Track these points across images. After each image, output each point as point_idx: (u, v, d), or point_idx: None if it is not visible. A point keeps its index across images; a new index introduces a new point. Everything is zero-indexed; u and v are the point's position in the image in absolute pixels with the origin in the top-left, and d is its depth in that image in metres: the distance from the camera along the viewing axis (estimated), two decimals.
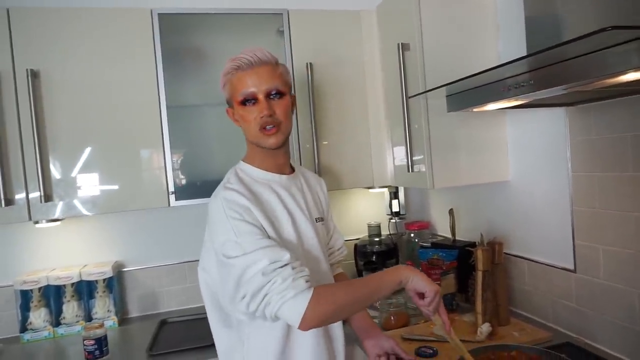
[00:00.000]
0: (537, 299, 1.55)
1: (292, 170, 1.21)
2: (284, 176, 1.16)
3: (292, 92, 1.18)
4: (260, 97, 1.07)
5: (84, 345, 1.47)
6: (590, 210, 1.31)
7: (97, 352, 1.47)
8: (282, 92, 1.10)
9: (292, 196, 1.14)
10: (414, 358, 1.24)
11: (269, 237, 1.03)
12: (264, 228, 1.03)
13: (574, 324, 1.41)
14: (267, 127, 1.08)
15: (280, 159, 1.16)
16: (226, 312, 1.11)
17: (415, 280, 1.04)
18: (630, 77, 0.76)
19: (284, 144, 1.13)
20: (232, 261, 0.98)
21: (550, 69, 0.84)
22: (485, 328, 1.41)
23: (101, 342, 1.48)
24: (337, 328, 1.19)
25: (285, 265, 0.97)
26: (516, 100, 1.03)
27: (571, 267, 1.40)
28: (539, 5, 1.17)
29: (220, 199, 1.03)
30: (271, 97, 1.08)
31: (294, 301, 0.94)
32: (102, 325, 1.51)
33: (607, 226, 1.26)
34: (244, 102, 1.08)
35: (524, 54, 1.14)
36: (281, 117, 1.09)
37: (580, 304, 1.38)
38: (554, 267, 1.47)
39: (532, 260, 1.56)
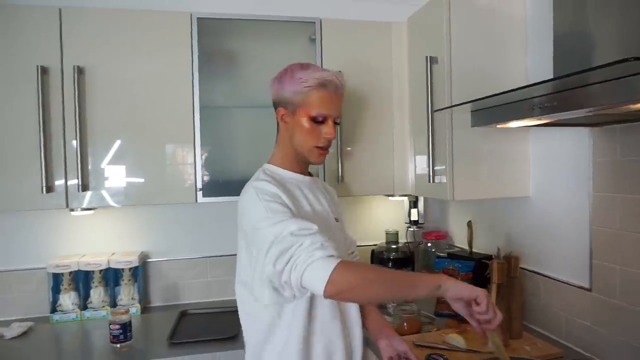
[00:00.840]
0: (551, 315, 1.57)
1: (310, 175, 1.28)
2: (307, 177, 1.24)
3: None
4: (330, 121, 1.16)
5: (110, 329, 1.54)
6: (609, 231, 1.33)
7: (121, 337, 1.54)
8: (339, 122, 1.21)
9: (315, 196, 1.21)
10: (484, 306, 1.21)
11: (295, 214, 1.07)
12: (292, 209, 1.08)
13: (586, 343, 1.42)
14: (324, 148, 1.18)
15: (305, 166, 1.25)
16: (254, 305, 1.14)
17: (458, 287, 0.96)
18: None
19: None
20: (264, 230, 1.01)
21: (575, 92, 0.88)
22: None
23: (126, 327, 1.55)
24: (353, 311, 1.23)
25: (314, 232, 0.99)
26: (540, 119, 1.06)
27: (587, 285, 1.42)
28: (569, 22, 1.18)
29: (252, 187, 1.10)
30: (335, 122, 1.18)
31: (321, 262, 0.93)
32: (127, 312, 1.59)
33: (626, 247, 1.28)
34: (315, 119, 1.15)
35: (551, 70, 1.18)
36: (333, 140, 1.20)
37: (594, 323, 1.39)
38: (570, 284, 1.48)
39: (548, 277, 1.58)
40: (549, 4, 1.27)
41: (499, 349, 1.06)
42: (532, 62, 1.60)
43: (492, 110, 1.18)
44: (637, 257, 1.24)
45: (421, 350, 1.42)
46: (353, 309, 1.23)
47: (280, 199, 1.07)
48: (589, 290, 1.41)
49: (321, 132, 1.16)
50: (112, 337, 1.54)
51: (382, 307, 1.83)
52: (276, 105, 1.21)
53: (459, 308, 0.99)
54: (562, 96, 0.90)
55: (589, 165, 1.39)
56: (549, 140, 1.56)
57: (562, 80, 0.82)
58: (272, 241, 0.99)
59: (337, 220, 1.28)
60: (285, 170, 1.21)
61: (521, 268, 1.64)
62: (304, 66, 1.18)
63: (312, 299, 1.13)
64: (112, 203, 1.70)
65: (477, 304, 0.96)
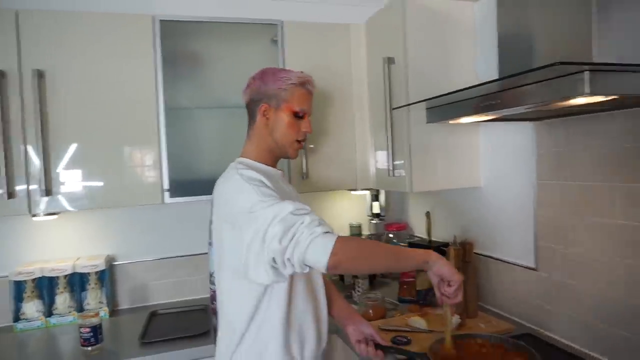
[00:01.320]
0: (503, 295, 1.70)
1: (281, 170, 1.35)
2: (279, 171, 1.31)
3: None
4: (307, 117, 1.29)
5: (80, 332, 1.54)
6: (551, 215, 1.47)
7: (92, 339, 1.54)
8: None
9: (288, 188, 1.29)
10: (390, 344, 1.36)
11: None
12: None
13: (533, 317, 1.56)
14: (302, 142, 1.29)
15: (277, 160, 1.33)
16: (243, 284, 1.14)
17: (442, 266, 1.05)
18: (579, 101, 0.91)
19: None
20: (261, 212, 1.03)
21: (514, 91, 0.99)
22: (454, 320, 1.55)
23: (96, 330, 1.56)
24: (322, 299, 1.30)
25: (311, 212, 1.04)
26: (486, 115, 1.17)
27: (533, 265, 1.55)
28: (511, 24, 1.28)
29: (237, 175, 1.14)
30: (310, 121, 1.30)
31: (323, 238, 0.98)
32: (97, 314, 1.59)
33: (565, 229, 1.42)
34: (296, 114, 1.26)
35: (497, 71, 1.29)
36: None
37: (539, 299, 1.53)
38: (518, 265, 1.62)
39: (499, 260, 1.71)
40: (495, 8, 1.38)
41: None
42: (481, 63, 1.73)
43: (445, 107, 1.29)
44: (576, 237, 1.38)
45: (386, 334, 1.52)
46: (322, 297, 1.30)
47: (266, 186, 1.13)
48: (535, 269, 1.55)
49: (300, 127, 1.27)
50: (82, 340, 1.54)
51: (347, 297, 1.92)
52: (256, 102, 1.27)
53: (433, 279, 1.10)
54: (504, 95, 1.01)
55: (532, 156, 1.52)
56: (497, 135, 1.70)
57: (502, 81, 0.92)
58: (272, 220, 1.02)
59: None
60: (260, 164, 1.26)
61: (475, 253, 1.78)
62: (282, 69, 1.32)
63: (291, 287, 1.18)
64: (76, 207, 1.69)
65: (449, 285, 1.07)
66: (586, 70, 0.80)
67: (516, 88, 0.97)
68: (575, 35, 1.03)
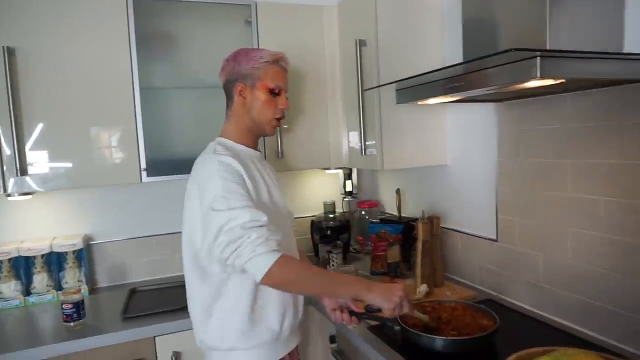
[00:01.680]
0: (467, 265, 1.83)
1: (259, 150, 1.40)
2: (258, 152, 1.35)
3: None
4: (283, 94, 1.32)
5: (63, 308, 1.58)
6: (510, 190, 1.58)
7: (74, 315, 1.58)
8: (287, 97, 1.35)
9: (265, 169, 1.33)
10: (363, 311, 1.45)
11: (251, 198, 1.18)
12: (249, 191, 1.19)
13: (494, 284, 1.69)
14: (280, 119, 1.32)
15: (256, 140, 1.37)
16: (204, 268, 1.24)
17: (373, 299, 1.18)
18: (533, 84, 1.00)
19: None
20: (217, 213, 1.13)
21: (476, 74, 1.07)
22: (423, 288, 1.66)
23: (79, 305, 1.59)
24: None
25: (262, 226, 1.13)
26: (452, 96, 1.25)
27: (494, 237, 1.68)
28: (475, 9, 1.36)
29: (216, 161, 1.19)
30: (286, 97, 1.34)
31: (263, 257, 1.09)
32: (79, 291, 1.62)
33: (522, 202, 1.54)
34: (272, 91, 1.29)
35: (461, 55, 1.38)
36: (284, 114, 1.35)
37: (499, 267, 1.66)
38: (481, 237, 1.74)
39: (465, 233, 1.83)
40: None
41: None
42: (448, 46, 1.81)
43: (413, 89, 1.36)
44: (531, 209, 1.50)
45: (360, 303, 1.61)
46: None
47: (240, 179, 1.18)
48: (496, 240, 1.67)
49: (277, 104, 1.32)
50: (65, 316, 1.58)
51: (323, 265, 2.01)
52: (232, 82, 1.31)
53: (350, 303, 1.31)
54: (467, 78, 1.09)
55: (494, 136, 1.63)
56: (463, 115, 1.79)
57: (465, 65, 1.00)
58: (221, 228, 1.12)
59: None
60: (239, 145, 1.31)
61: (442, 227, 1.89)
62: (255, 48, 1.36)
63: None
64: (52, 187, 1.70)
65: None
66: (537, 56, 0.88)
67: (477, 71, 1.05)
68: (532, 23, 1.11)
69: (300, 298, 1.39)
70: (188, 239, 1.27)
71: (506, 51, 0.84)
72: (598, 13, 1.12)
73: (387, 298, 1.18)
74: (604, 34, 1.12)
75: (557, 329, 1.37)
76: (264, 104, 1.30)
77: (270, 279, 1.11)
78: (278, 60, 1.32)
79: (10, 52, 1.60)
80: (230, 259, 1.12)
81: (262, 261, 1.09)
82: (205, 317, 1.27)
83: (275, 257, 1.10)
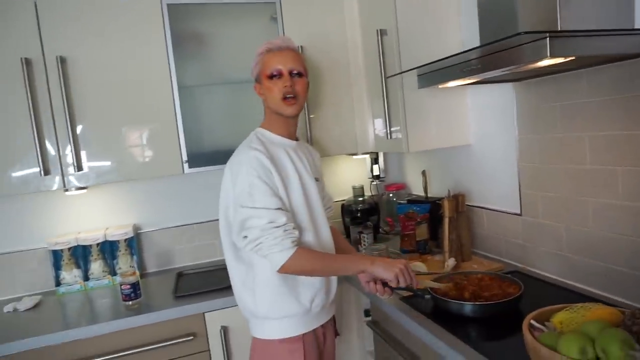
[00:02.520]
0: (493, 240, 1.91)
1: (297, 139, 1.51)
2: (293, 142, 1.46)
3: (307, 78, 1.45)
4: (285, 73, 1.37)
5: (121, 289, 1.75)
6: (532, 165, 1.65)
7: (132, 295, 1.75)
8: (301, 73, 1.40)
9: (299, 158, 1.44)
10: (396, 283, 1.54)
11: (277, 195, 1.32)
12: (276, 187, 1.33)
13: (519, 257, 1.77)
14: (288, 96, 1.37)
15: (292, 128, 1.46)
16: (237, 247, 1.40)
17: (375, 269, 1.31)
18: (545, 63, 1.07)
19: (298, 114, 1.44)
20: (243, 209, 1.30)
21: (492, 57, 1.15)
22: (450, 262, 1.76)
23: (135, 286, 1.76)
24: (329, 250, 1.48)
25: (279, 226, 1.28)
26: (470, 79, 1.34)
27: (518, 211, 1.75)
28: None
29: (247, 156, 1.32)
30: (293, 75, 1.38)
31: (278, 254, 1.28)
32: (135, 273, 1.80)
33: (543, 177, 1.60)
34: (271, 76, 1.38)
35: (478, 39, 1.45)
36: (299, 91, 1.39)
37: (524, 240, 1.74)
38: (506, 212, 1.82)
39: (490, 209, 1.91)
40: None
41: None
42: (466, 30, 1.87)
43: (434, 74, 1.45)
44: (553, 184, 1.57)
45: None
46: (332, 252, 1.50)
47: (269, 176, 1.31)
48: (520, 215, 1.74)
49: (279, 85, 1.37)
50: (123, 296, 1.75)
51: (355, 245, 2.13)
52: (254, 85, 1.46)
53: (363, 281, 1.43)
54: (483, 61, 1.17)
55: (513, 114, 1.70)
56: (483, 96, 1.86)
57: (481, 48, 1.09)
58: (243, 224, 1.31)
59: (317, 179, 1.51)
60: (275, 135, 1.43)
61: (469, 205, 1.98)
62: (264, 42, 1.44)
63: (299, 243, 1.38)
64: (105, 180, 1.87)
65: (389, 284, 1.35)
66: (547, 37, 0.96)
67: (492, 54, 1.13)
68: (544, 3, 1.18)
69: (333, 278, 1.49)
70: (224, 217, 1.42)
71: (517, 34, 0.92)
72: None
73: (388, 269, 1.31)
74: (615, 11, 1.17)
75: (580, 294, 1.45)
76: (269, 90, 1.39)
77: (286, 270, 1.30)
78: (270, 48, 1.39)
79: (63, 61, 1.76)
80: (252, 251, 1.32)
81: (278, 257, 1.29)
82: (243, 289, 1.42)
83: (289, 254, 1.28)
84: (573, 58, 1.04)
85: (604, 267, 1.42)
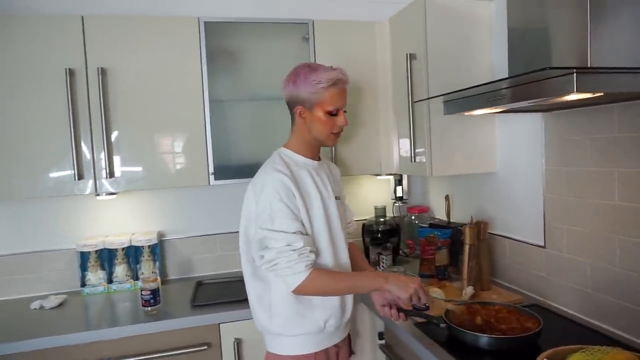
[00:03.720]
0: (514, 271, 1.87)
1: (319, 158, 1.53)
2: (316, 162, 1.49)
3: None
4: (341, 112, 1.43)
5: (142, 294, 1.80)
6: (558, 197, 1.62)
7: (152, 301, 1.80)
8: (346, 110, 1.46)
9: (320, 177, 1.46)
10: (411, 309, 1.53)
11: (297, 219, 1.34)
12: (298, 209, 1.35)
13: (541, 290, 1.72)
14: (338, 133, 1.46)
15: (317, 150, 1.50)
16: (256, 265, 1.42)
17: (391, 287, 1.33)
18: (572, 97, 1.06)
19: None
20: (262, 230, 1.34)
21: (519, 88, 1.15)
22: (469, 290, 1.73)
23: (155, 292, 1.81)
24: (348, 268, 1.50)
25: (295, 250, 1.31)
26: (496, 108, 1.33)
27: (542, 243, 1.71)
28: (521, 22, 1.40)
29: (271, 177, 1.35)
30: (344, 111, 1.44)
31: (291, 277, 1.31)
32: (156, 280, 1.84)
33: (570, 210, 1.57)
34: (330, 113, 1.40)
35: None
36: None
37: (547, 274, 1.69)
38: (529, 243, 1.78)
39: (512, 239, 1.88)
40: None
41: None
42: (496, 58, 1.87)
43: (460, 101, 1.45)
44: (578, 217, 1.54)
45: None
46: (347, 266, 1.51)
47: (290, 197, 1.34)
48: (544, 247, 1.70)
49: (336, 122, 1.41)
50: (143, 301, 1.80)
51: (373, 266, 2.11)
52: (292, 104, 1.43)
53: (375, 299, 1.48)
54: (509, 91, 1.17)
55: (541, 144, 1.67)
56: (512, 125, 1.84)
57: (507, 80, 1.09)
58: (262, 242, 1.34)
59: (337, 198, 1.52)
60: (299, 155, 1.46)
61: (491, 233, 1.95)
62: (313, 67, 1.40)
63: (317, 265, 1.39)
64: (134, 188, 1.94)
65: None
66: (574, 72, 0.96)
67: (519, 85, 1.13)
68: (574, 37, 1.17)
69: (349, 299, 1.50)
70: (244, 233, 1.45)
71: (543, 69, 0.92)
72: None
73: (402, 287, 1.32)
74: None
75: (601, 333, 1.40)
76: (322, 123, 1.40)
77: (300, 292, 1.34)
78: (336, 83, 1.37)
79: (103, 72, 1.85)
80: (268, 270, 1.35)
81: (291, 279, 1.32)
82: (258, 305, 1.45)
83: (303, 276, 1.31)
84: (602, 94, 1.02)
85: (628, 308, 1.37)
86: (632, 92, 1.10)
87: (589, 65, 1.09)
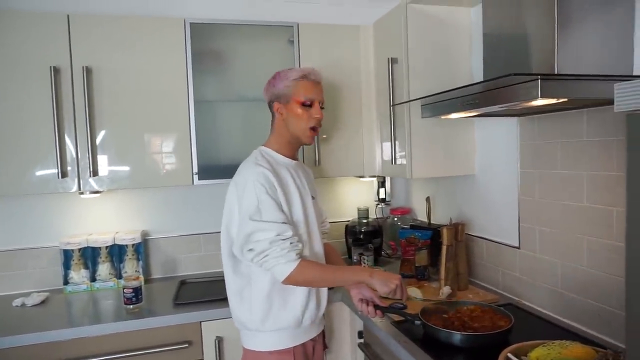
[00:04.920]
0: (491, 271, 1.91)
1: (297, 159, 1.57)
2: (294, 161, 1.53)
3: None
4: (316, 104, 1.46)
5: (124, 292, 1.81)
6: (532, 200, 1.67)
7: (134, 299, 1.81)
8: (323, 107, 1.50)
9: (299, 177, 1.51)
10: (387, 306, 1.57)
11: (282, 210, 1.38)
12: (281, 203, 1.39)
13: (516, 290, 1.77)
14: (315, 128, 1.47)
15: (295, 150, 1.55)
16: (237, 260, 1.45)
17: (373, 282, 1.39)
18: (538, 102, 1.11)
19: None
20: (250, 222, 1.35)
21: (489, 93, 1.19)
22: (446, 290, 1.77)
23: (137, 291, 1.82)
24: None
25: (286, 239, 1.34)
26: (469, 112, 1.38)
27: (516, 244, 1.76)
28: (495, 29, 1.44)
29: (254, 172, 1.38)
30: (321, 107, 1.48)
31: (283, 266, 1.33)
32: (138, 278, 1.86)
33: (542, 211, 1.62)
34: (304, 104, 1.45)
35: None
36: (321, 123, 1.50)
37: (521, 274, 1.74)
38: (504, 244, 1.83)
39: (489, 240, 1.92)
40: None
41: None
42: (476, 63, 1.92)
43: (436, 105, 1.50)
44: (550, 218, 1.59)
45: (386, 301, 1.73)
46: (320, 256, 1.55)
47: (274, 191, 1.38)
48: (518, 248, 1.75)
49: (311, 114, 1.46)
50: (125, 299, 1.81)
51: None
52: (271, 102, 1.51)
53: (353, 294, 1.52)
54: (480, 96, 1.21)
55: (517, 148, 1.72)
56: (489, 129, 1.89)
57: (479, 85, 1.13)
58: (251, 236, 1.35)
59: (313, 197, 1.57)
60: (278, 154, 1.49)
61: (469, 234, 1.99)
62: (290, 68, 1.52)
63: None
64: (118, 186, 1.95)
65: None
66: (539, 78, 1.00)
67: (489, 91, 1.17)
68: (542, 45, 1.22)
69: (324, 292, 1.54)
70: (225, 230, 1.48)
71: (509, 75, 0.97)
72: (608, 37, 1.21)
73: (385, 283, 1.37)
74: (614, 58, 1.21)
75: (570, 331, 1.45)
76: (297, 116, 1.46)
77: (290, 281, 1.36)
78: (307, 75, 1.46)
79: (88, 71, 1.87)
80: (257, 263, 1.36)
81: (283, 268, 1.34)
82: (237, 300, 1.48)
83: (294, 265, 1.34)
84: (566, 100, 1.07)
85: (596, 306, 1.42)
86: (597, 99, 1.15)
87: (555, 72, 1.13)
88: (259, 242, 1.34)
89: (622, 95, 0.69)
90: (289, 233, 1.35)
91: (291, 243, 1.35)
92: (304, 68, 1.50)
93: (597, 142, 1.38)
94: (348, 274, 1.46)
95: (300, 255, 1.38)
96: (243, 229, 1.37)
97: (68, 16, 1.85)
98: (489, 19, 1.45)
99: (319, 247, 1.55)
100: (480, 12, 1.83)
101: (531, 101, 1.07)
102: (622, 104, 0.68)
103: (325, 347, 1.66)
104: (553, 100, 1.08)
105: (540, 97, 1.00)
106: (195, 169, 2.03)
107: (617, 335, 1.34)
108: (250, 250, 1.36)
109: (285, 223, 1.37)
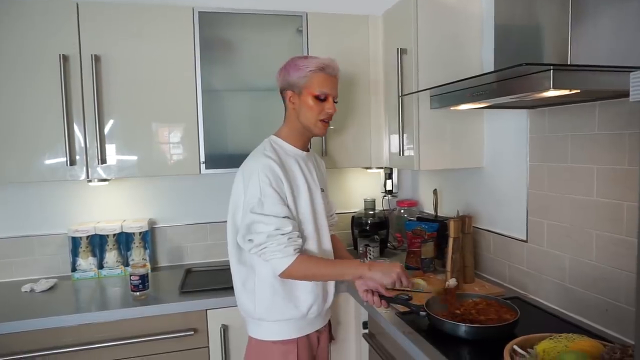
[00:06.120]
0: (498, 264, 1.90)
1: (308, 150, 1.56)
2: (305, 153, 1.52)
3: None
4: (330, 98, 1.44)
5: (131, 279, 1.82)
6: (540, 193, 1.65)
7: (140, 286, 1.82)
8: (337, 101, 1.48)
9: (308, 168, 1.49)
10: (392, 296, 1.56)
11: (285, 204, 1.37)
12: (285, 196, 1.38)
13: (522, 283, 1.76)
14: (326, 121, 1.45)
15: (307, 141, 1.53)
16: (242, 250, 1.45)
17: (372, 275, 1.39)
18: (550, 93, 1.09)
19: None
20: (252, 214, 1.35)
21: (500, 84, 1.18)
22: (452, 282, 1.75)
23: (144, 278, 1.84)
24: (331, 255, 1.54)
25: (285, 234, 1.34)
26: (479, 103, 1.36)
27: (524, 238, 1.75)
28: (506, 19, 1.43)
29: (260, 163, 1.38)
30: (335, 101, 1.46)
31: (280, 260, 1.34)
32: (145, 265, 1.87)
33: (551, 205, 1.60)
34: (317, 97, 1.42)
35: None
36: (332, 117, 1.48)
37: (528, 267, 1.73)
38: (512, 238, 1.81)
39: (497, 233, 1.91)
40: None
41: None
42: (486, 54, 1.89)
43: (445, 96, 1.48)
44: (559, 213, 1.57)
45: (391, 292, 1.73)
46: (329, 253, 1.54)
47: (279, 184, 1.37)
48: (526, 241, 1.74)
49: (324, 108, 1.44)
50: (132, 286, 1.82)
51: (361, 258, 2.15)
52: (284, 90, 1.47)
53: (358, 284, 1.47)
54: (490, 87, 1.20)
55: (526, 141, 1.70)
56: (498, 120, 1.87)
57: (489, 75, 1.11)
58: (252, 227, 1.35)
59: (322, 190, 1.56)
60: (289, 144, 1.48)
61: (476, 227, 1.98)
62: (304, 56, 1.48)
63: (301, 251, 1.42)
64: (126, 175, 1.96)
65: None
66: (551, 69, 0.99)
67: (500, 81, 1.16)
68: (556, 35, 1.20)
69: (331, 285, 1.54)
70: (231, 219, 1.48)
71: (520, 65, 0.95)
72: (622, 27, 1.19)
73: (386, 274, 1.37)
74: (628, 48, 1.18)
75: (577, 326, 1.44)
76: (309, 109, 1.43)
77: (287, 275, 1.37)
78: (324, 68, 1.42)
79: (97, 59, 1.87)
80: (256, 254, 1.37)
81: (280, 263, 1.34)
82: (243, 290, 1.48)
83: (291, 260, 1.35)
84: (578, 91, 1.05)
85: (604, 301, 1.40)
86: (610, 90, 1.13)
87: (568, 63, 1.11)
88: (258, 234, 1.35)
89: (638, 85, 0.67)
90: (289, 228, 1.35)
91: (289, 238, 1.34)
92: (322, 59, 1.43)
93: (608, 135, 1.36)
94: (347, 269, 1.44)
95: (299, 251, 1.37)
96: (245, 219, 1.38)
97: (77, 4, 1.85)
98: (501, 8, 1.43)
99: (327, 243, 1.53)
100: (491, 2, 1.81)
101: (543, 92, 1.05)
102: (638, 94, 0.67)
103: (331, 338, 1.67)
104: (565, 92, 1.06)
105: (553, 87, 0.99)
106: (203, 158, 2.03)
107: (625, 331, 1.33)
108: (250, 240, 1.37)
109: (286, 217, 1.36)
